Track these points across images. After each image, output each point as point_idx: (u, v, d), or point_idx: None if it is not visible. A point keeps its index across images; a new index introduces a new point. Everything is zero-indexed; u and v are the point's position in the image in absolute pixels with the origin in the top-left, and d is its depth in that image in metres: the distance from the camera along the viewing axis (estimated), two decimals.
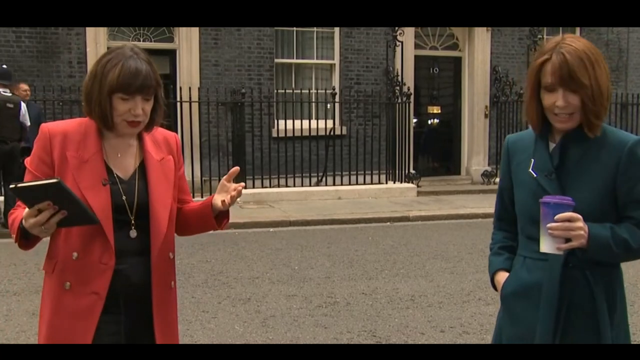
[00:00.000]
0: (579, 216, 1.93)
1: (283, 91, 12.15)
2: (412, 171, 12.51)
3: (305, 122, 11.54)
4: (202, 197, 9.68)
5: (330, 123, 11.93)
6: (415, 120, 13.26)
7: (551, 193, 2.01)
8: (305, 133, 11.54)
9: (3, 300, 5.58)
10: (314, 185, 11.75)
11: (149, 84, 2.05)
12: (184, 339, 4.48)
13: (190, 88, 10.98)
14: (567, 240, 1.94)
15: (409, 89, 12.42)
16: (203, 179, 10.86)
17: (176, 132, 8.22)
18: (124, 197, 2.09)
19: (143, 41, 11.46)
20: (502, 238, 2.29)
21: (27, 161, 2.12)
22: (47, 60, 10.98)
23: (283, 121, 11.85)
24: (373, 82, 12.86)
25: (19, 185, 1.85)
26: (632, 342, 2.17)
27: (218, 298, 5.70)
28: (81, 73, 10.81)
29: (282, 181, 11.55)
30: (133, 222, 2.09)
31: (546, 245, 1.96)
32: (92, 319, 2.03)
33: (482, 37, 13.65)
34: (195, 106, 11.04)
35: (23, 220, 1.93)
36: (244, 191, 2.19)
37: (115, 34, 11.46)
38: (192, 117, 10.90)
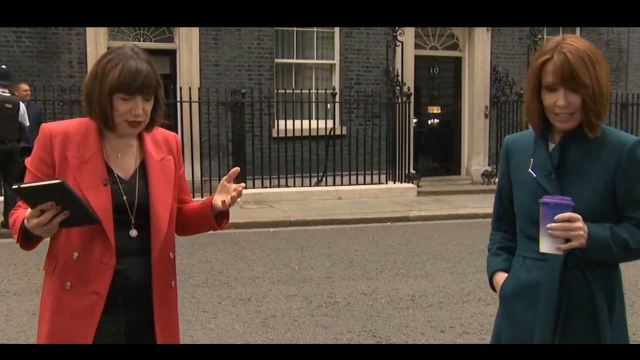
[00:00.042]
0: (579, 216, 1.93)
1: (283, 91, 12.15)
2: (412, 171, 12.51)
3: (306, 122, 11.54)
4: (202, 197, 9.68)
5: (330, 123, 11.93)
6: (415, 120, 13.26)
7: (551, 193, 2.01)
8: (306, 133, 11.54)
9: (3, 300, 5.58)
10: (314, 185, 11.75)
11: (150, 84, 2.05)
12: (184, 339, 4.48)
13: (190, 88, 10.98)
14: (567, 240, 1.94)
15: (409, 89, 12.42)
16: (203, 179, 10.87)
17: (176, 132, 8.23)
18: (124, 197, 2.09)
19: (143, 41, 11.46)
20: (501, 239, 2.29)
21: (28, 161, 2.12)
22: (47, 60, 10.99)
23: (283, 121, 11.85)
24: (373, 82, 12.86)
25: (22, 185, 1.85)
26: (632, 342, 2.17)
27: (218, 298, 5.70)
28: (81, 73, 10.82)
29: (282, 181, 11.55)
30: (133, 222, 2.09)
31: (546, 246, 1.96)
32: (93, 319, 2.03)
33: (482, 37, 13.65)
34: (195, 106, 11.04)
35: (25, 221, 1.93)
36: (244, 191, 2.20)
37: (115, 34, 11.47)
38: (192, 117, 10.90)
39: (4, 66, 9.16)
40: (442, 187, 12.95)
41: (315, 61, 12.84)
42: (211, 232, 2.34)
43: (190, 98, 10.89)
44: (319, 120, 11.91)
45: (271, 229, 9.16)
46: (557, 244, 1.94)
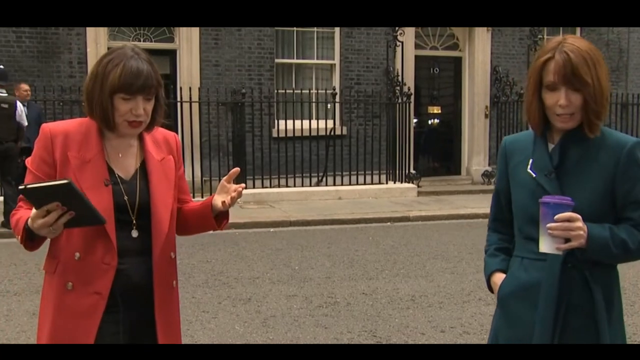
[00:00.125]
0: (579, 216, 1.93)
1: (283, 91, 12.15)
2: (412, 171, 12.51)
3: (306, 122, 11.54)
4: (202, 197, 9.68)
5: (330, 123, 11.93)
6: (415, 121, 13.26)
7: (551, 193, 2.01)
8: (306, 133, 11.54)
9: (3, 300, 5.58)
10: (314, 186, 11.76)
11: (151, 83, 2.05)
12: (184, 339, 4.46)
13: (190, 88, 10.98)
14: (567, 240, 1.94)
15: (409, 89, 12.42)
16: (203, 179, 10.87)
17: (176, 132, 8.24)
18: (125, 197, 2.09)
19: (143, 41, 11.46)
20: (498, 240, 2.28)
21: (28, 161, 2.11)
22: (47, 61, 10.99)
23: (283, 121, 11.86)
24: (373, 82, 12.86)
25: (29, 186, 1.84)
26: (632, 342, 2.17)
27: (218, 298, 5.70)
28: (81, 73, 10.82)
29: (283, 181, 11.55)
30: (135, 222, 2.09)
31: (545, 245, 1.96)
32: (95, 319, 2.03)
33: (482, 37, 13.65)
34: (195, 106, 11.04)
35: (30, 221, 1.93)
36: (244, 191, 2.20)
37: (115, 34, 11.47)
38: (192, 117, 10.90)
39: (1, 66, 9.16)
40: (442, 187, 12.95)
41: (315, 61, 12.84)
42: (211, 232, 2.34)
43: (190, 98, 10.89)
44: (319, 120, 11.91)
45: (271, 229, 9.16)
46: (557, 243, 1.94)
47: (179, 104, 11.04)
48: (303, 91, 12.07)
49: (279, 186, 11.48)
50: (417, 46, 13.33)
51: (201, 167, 11.05)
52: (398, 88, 12.44)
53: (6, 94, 8.64)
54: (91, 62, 10.68)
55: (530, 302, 2.06)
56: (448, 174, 14.01)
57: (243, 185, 2.18)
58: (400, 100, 12.28)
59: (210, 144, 11.18)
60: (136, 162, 2.17)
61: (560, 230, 1.92)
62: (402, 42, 12.64)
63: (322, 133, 11.78)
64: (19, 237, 2.02)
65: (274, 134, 12.00)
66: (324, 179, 11.89)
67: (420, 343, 4.64)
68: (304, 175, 11.59)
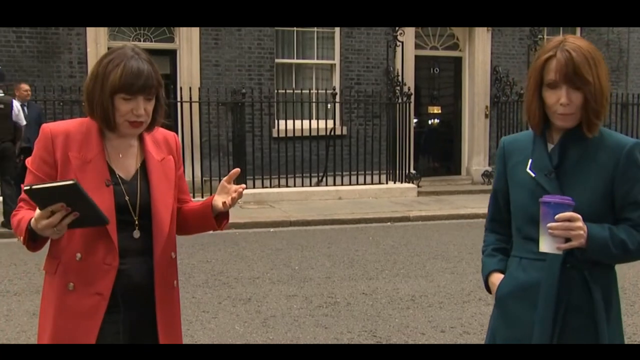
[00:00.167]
0: (579, 216, 1.93)
1: (283, 91, 12.16)
2: (412, 171, 12.52)
3: (306, 122, 11.54)
4: (202, 197, 9.69)
5: (330, 123, 11.94)
6: (415, 121, 13.26)
7: (551, 192, 2.01)
8: (306, 133, 11.55)
9: (3, 300, 5.59)
10: (314, 186, 11.76)
11: (151, 84, 2.05)
12: (184, 339, 4.47)
13: (190, 88, 10.99)
14: (567, 240, 1.94)
15: (409, 89, 12.42)
16: (203, 179, 10.87)
17: (176, 132, 8.24)
18: (126, 198, 2.09)
19: (143, 41, 11.46)
20: (495, 240, 2.28)
21: (28, 162, 2.11)
22: (47, 61, 10.99)
23: (283, 121, 11.86)
24: (373, 82, 12.86)
25: (34, 187, 1.83)
26: (633, 342, 2.17)
27: (218, 298, 5.70)
28: (82, 73, 10.82)
29: (283, 181, 11.55)
30: (137, 222, 2.09)
31: (546, 245, 1.96)
32: (96, 320, 2.03)
33: (482, 37, 13.65)
34: (195, 106, 11.04)
35: (33, 222, 1.92)
36: (244, 191, 2.20)
37: (115, 34, 11.47)
38: (192, 117, 10.90)
39: None
40: (442, 187, 12.95)
41: (315, 61, 12.84)
42: (211, 232, 2.34)
43: (190, 98, 10.89)
44: (319, 120, 11.91)
45: (271, 229, 9.16)
46: (557, 243, 1.94)
47: (179, 104, 11.04)
48: (303, 91, 12.07)
49: (279, 186, 11.48)
50: (417, 46, 13.33)
51: (201, 167, 11.05)
52: (398, 88, 12.44)
53: (2, 94, 8.63)
54: (91, 62, 10.68)
55: (529, 302, 2.05)
56: (448, 174, 14.01)
57: (244, 185, 2.18)
58: (400, 100, 12.28)
59: (211, 144, 11.18)
60: (136, 162, 2.16)
61: (561, 229, 1.92)
62: (402, 42, 12.64)
63: (322, 133, 11.78)
64: (22, 238, 2.01)
65: (274, 134, 12.00)
66: (324, 179, 11.89)
67: (420, 343, 4.64)
68: (304, 175, 11.59)
